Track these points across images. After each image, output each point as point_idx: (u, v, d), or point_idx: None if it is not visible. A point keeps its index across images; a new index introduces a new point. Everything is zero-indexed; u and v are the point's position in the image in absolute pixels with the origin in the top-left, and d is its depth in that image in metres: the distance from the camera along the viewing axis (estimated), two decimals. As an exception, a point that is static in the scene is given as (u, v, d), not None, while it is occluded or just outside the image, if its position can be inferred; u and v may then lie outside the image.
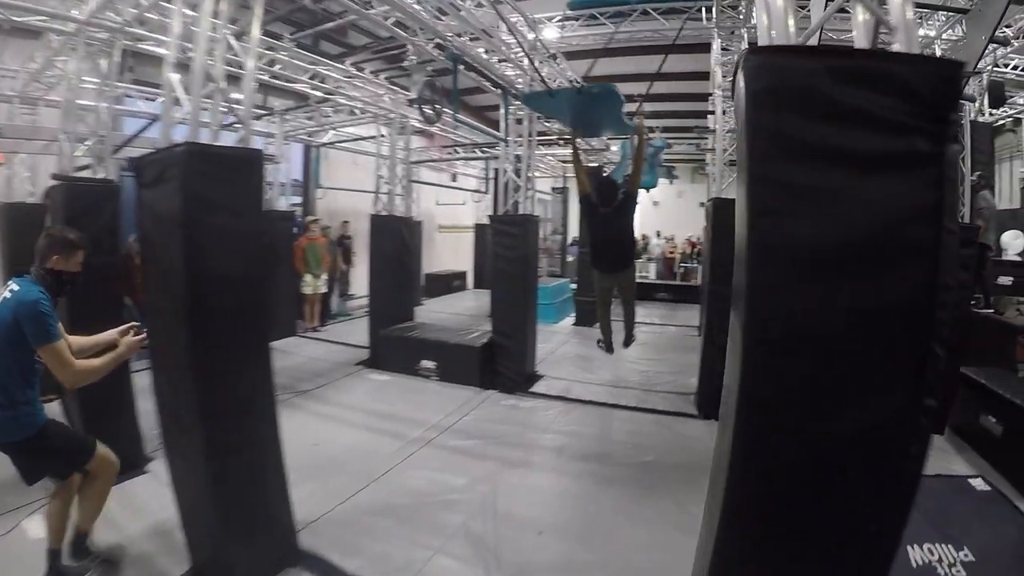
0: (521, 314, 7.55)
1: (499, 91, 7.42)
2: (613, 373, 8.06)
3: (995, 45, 7.12)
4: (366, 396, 6.97)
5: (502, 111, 7.32)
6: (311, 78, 8.07)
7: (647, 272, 18.52)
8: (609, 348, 6.23)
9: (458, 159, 13.71)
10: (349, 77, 8.37)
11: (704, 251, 6.65)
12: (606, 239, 5.34)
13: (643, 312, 12.86)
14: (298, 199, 12.41)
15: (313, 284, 10.50)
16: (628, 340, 6.15)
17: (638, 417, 6.41)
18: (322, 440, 5.43)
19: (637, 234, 19.86)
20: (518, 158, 7.84)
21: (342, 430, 5.80)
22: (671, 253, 18.67)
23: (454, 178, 16.30)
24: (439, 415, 6.24)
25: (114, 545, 3.49)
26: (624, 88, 4.82)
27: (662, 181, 20.38)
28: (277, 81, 7.87)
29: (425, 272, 15.84)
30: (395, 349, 8.14)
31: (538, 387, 7.44)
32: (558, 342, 9.86)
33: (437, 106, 6.89)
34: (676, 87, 13.61)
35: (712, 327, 6.53)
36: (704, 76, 11.79)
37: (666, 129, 15.22)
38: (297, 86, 8.11)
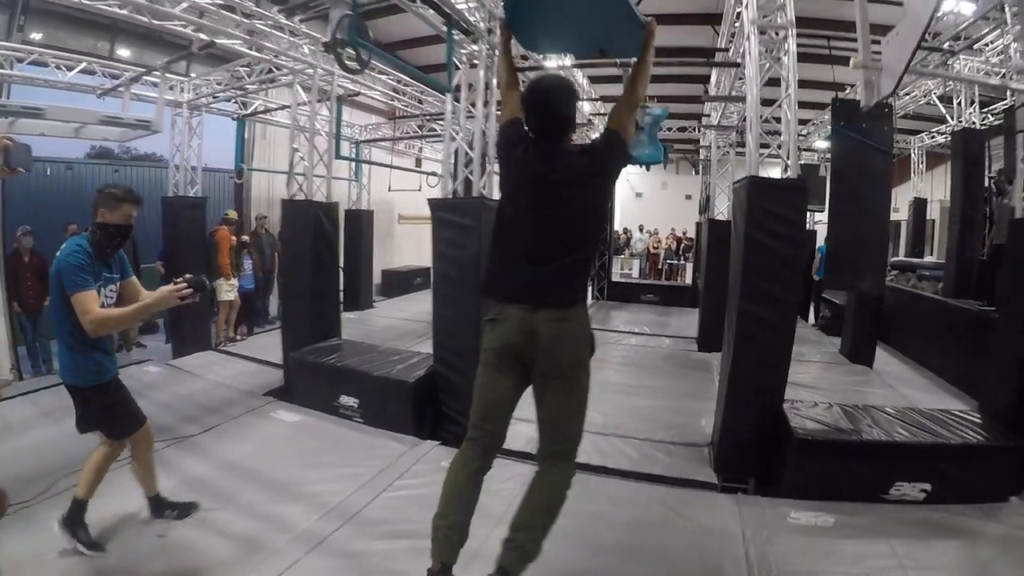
0: (472, 337, 5.50)
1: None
2: (598, 411, 6.03)
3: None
4: (261, 448, 4.90)
5: (447, 52, 5.20)
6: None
7: (630, 269, 16.61)
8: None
9: (414, 138, 11.52)
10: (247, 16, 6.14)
11: (733, 248, 4.69)
12: (536, 225, 2.38)
13: (628, 317, 10.94)
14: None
15: (230, 288, 8.42)
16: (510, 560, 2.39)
17: (635, 491, 4.41)
18: (172, 531, 3.47)
19: (618, 227, 17.83)
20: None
21: (204, 515, 3.67)
22: (655, 249, 16.72)
23: (418, 163, 14.14)
24: (350, 486, 4.19)
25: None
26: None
27: (641, 172, 18.78)
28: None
29: (382, 269, 13.81)
30: (309, 378, 6.12)
31: None
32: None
33: (359, 51, 4.76)
34: (662, 68, 11.63)
35: (744, 354, 4.55)
36: (696, 52, 9.96)
37: None
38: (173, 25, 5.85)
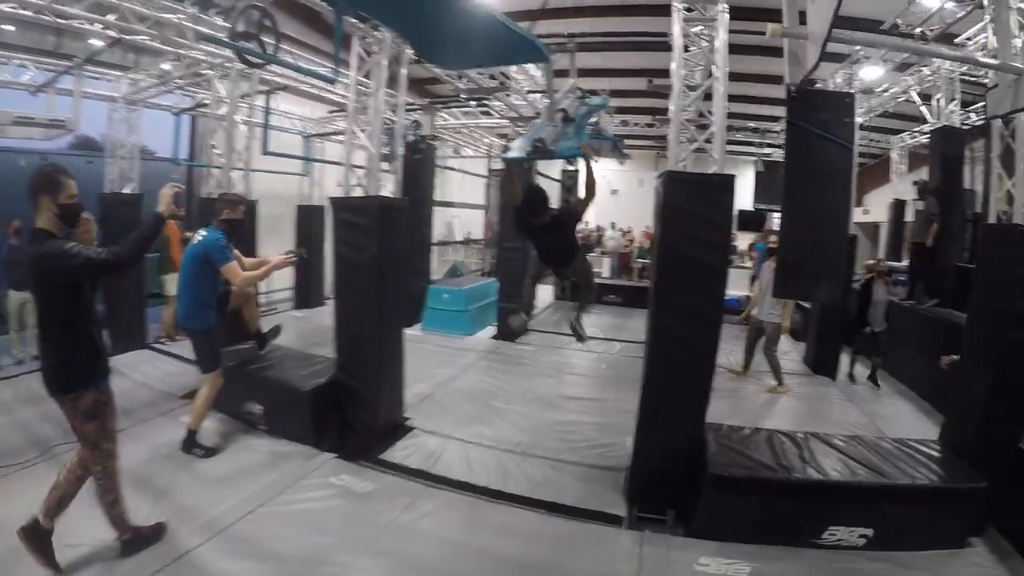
0: (372, 347, 4.81)
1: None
2: (516, 426, 5.34)
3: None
4: (155, 454, 4.39)
5: (336, 37, 4.46)
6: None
7: (601, 268, 15.85)
8: (518, 319, 4.90)
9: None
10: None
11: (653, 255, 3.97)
12: (546, 249, 4.48)
13: (590, 319, 10.17)
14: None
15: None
16: (577, 325, 4.90)
17: (531, 523, 3.80)
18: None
19: (592, 224, 17.19)
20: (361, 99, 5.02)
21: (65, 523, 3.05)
22: (627, 247, 15.97)
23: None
24: (232, 496, 3.85)
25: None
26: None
27: (617, 168, 18.04)
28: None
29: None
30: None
31: (396, 451, 4.80)
32: (462, 365, 7.11)
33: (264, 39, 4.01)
34: (633, 60, 10.89)
35: (658, 375, 3.88)
36: (663, 44, 9.16)
37: (623, 110, 12.56)
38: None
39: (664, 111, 10.07)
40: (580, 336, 4.89)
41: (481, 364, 7.15)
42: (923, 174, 13.17)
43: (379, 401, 4.96)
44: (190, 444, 4.42)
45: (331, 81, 4.73)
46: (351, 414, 4.90)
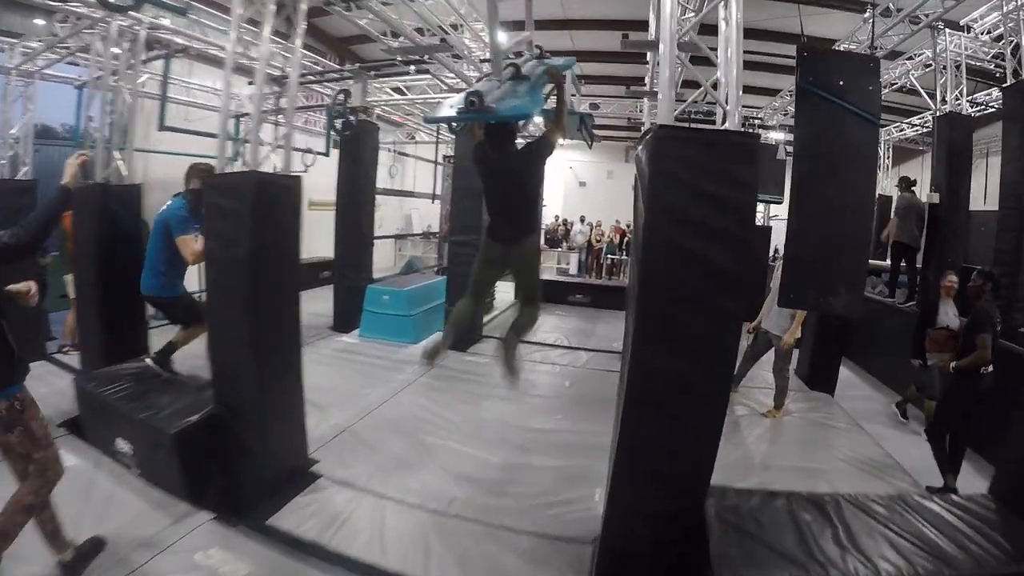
0: (251, 374, 3.49)
1: None
2: (461, 464, 4.12)
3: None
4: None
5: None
6: None
7: (568, 263, 14.66)
8: (434, 353, 3.72)
9: (304, 109, 9.25)
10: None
11: (632, 255, 2.58)
12: (501, 196, 3.53)
13: (553, 323, 8.95)
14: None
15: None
16: (508, 357, 3.66)
17: None
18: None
19: (559, 219, 15.97)
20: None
21: None
22: (597, 242, 14.81)
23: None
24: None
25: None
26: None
27: (585, 160, 16.93)
28: None
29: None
30: (89, 411, 4.24)
31: (290, 512, 3.55)
32: (398, 384, 5.78)
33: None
34: (604, 40, 9.68)
35: (639, 430, 2.63)
36: (640, 25, 8.04)
37: (590, 79, 11.34)
38: None
39: (641, 79, 8.90)
40: (513, 374, 3.72)
41: (421, 382, 5.83)
42: (908, 170, 12.49)
43: (266, 444, 3.66)
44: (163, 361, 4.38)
45: (182, 12, 3.42)
46: (232, 461, 3.61)
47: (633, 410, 2.54)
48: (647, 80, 6.36)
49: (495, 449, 4.43)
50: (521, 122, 4.10)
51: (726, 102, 2.43)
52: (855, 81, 4.34)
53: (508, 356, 3.61)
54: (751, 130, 2.46)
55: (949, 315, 4.91)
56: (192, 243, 3.93)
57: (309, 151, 8.01)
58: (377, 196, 13.36)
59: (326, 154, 7.50)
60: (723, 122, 2.50)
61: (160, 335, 5.63)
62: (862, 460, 4.69)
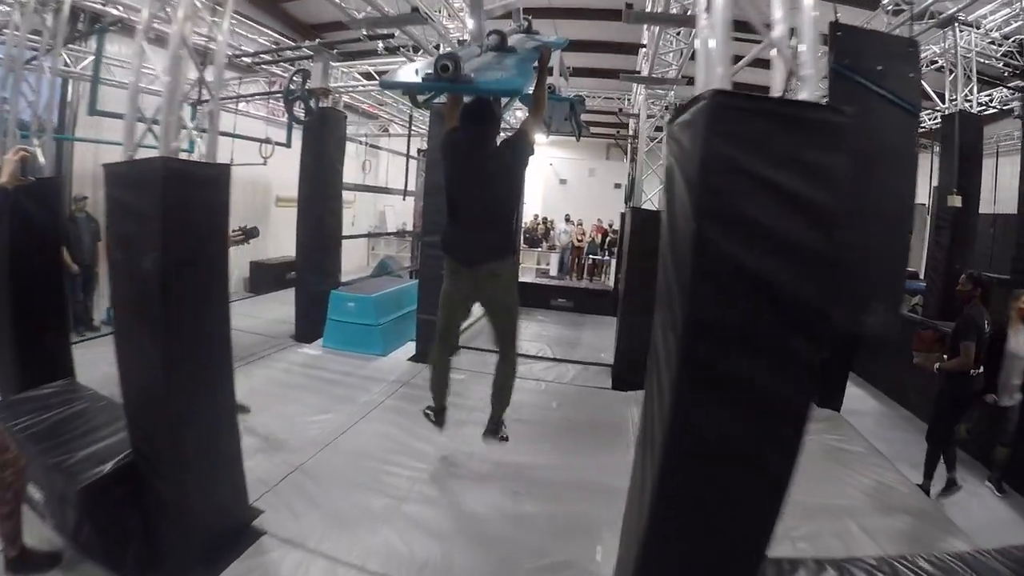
0: (169, 410, 2.71)
1: None
2: (433, 514, 3.38)
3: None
4: None
5: None
6: None
7: (548, 264, 13.98)
8: (439, 418, 3.57)
9: (264, 95, 8.35)
10: None
11: (664, 268, 1.92)
12: (472, 200, 2.99)
13: (535, 331, 8.22)
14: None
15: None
16: (494, 421, 3.45)
17: None
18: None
19: (539, 217, 15.20)
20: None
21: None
22: (579, 241, 14.15)
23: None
24: None
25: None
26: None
27: (566, 156, 16.28)
28: None
29: (251, 260, 10.82)
30: None
31: None
32: (361, 406, 5.00)
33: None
34: (588, 29, 8.98)
35: (679, 511, 1.89)
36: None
37: (578, 72, 10.62)
38: None
39: (632, 70, 8.20)
40: (500, 436, 3.66)
41: (388, 405, 5.06)
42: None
43: (191, 499, 2.88)
44: None
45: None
46: (154, 519, 2.84)
47: (671, 485, 1.83)
48: (641, 64, 5.69)
49: (474, 492, 3.70)
50: (504, 103, 3.41)
51: (805, 67, 1.72)
52: (894, 66, 3.73)
53: (493, 415, 3.48)
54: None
55: (1021, 343, 4.19)
56: None
57: (267, 141, 7.20)
58: (347, 192, 12.64)
59: (287, 144, 6.67)
60: (787, 88, 1.79)
61: (85, 350, 4.79)
62: (887, 493, 4.10)
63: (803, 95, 1.72)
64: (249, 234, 3.96)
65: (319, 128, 6.65)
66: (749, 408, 1.72)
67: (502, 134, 3.48)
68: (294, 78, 5.05)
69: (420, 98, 3.16)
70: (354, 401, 5.05)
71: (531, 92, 3.93)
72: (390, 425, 4.59)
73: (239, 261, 10.83)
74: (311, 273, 6.87)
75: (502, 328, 3.25)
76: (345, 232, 12.89)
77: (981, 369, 4.06)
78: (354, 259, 14.50)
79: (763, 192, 1.57)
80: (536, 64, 3.22)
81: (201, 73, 2.80)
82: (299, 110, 5.89)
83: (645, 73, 5.25)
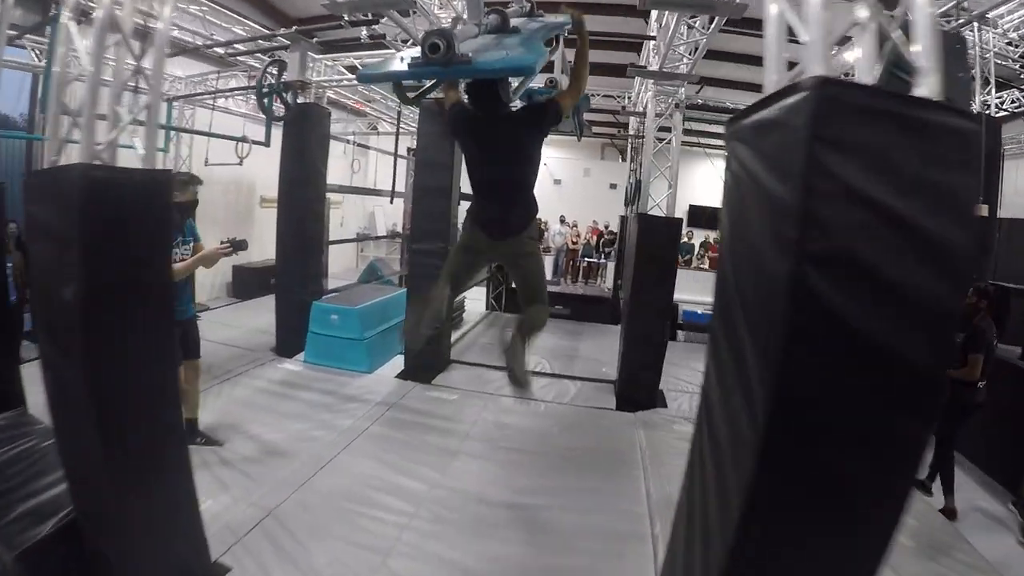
0: (104, 461, 2.22)
1: None
2: (429, 564, 2.92)
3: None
4: None
5: None
6: None
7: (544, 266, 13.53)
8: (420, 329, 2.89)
9: (237, 91, 7.77)
10: None
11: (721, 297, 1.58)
12: (491, 168, 2.70)
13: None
14: None
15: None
16: (515, 364, 2.72)
17: None
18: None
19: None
20: None
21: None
22: (574, 243, 13.69)
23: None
24: None
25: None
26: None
27: (561, 155, 15.75)
28: None
29: (233, 264, 10.25)
30: None
31: None
32: (342, 435, 4.48)
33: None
34: (588, 24, 8.45)
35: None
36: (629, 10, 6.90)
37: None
38: None
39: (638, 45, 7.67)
40: (521, 383, 2.79)
41: (373, 433, 4.56)
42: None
43: (138, 560, 2.41)
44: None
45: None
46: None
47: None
48: (649, 59, 5.23)
49: (471, 542, 3.22)
50: (513, 81, 2.95)
51: (923, 57, 1.26)
52: (942, 64, 3.29)
53: (515, 363, 2.72)
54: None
55: None
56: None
57: (243, 139, 6.67)
58: (334, 193, 12.07)
59: (266, 143, 6.15)
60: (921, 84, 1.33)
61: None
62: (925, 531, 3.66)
63: (922, 90, 1.26)
64: (237, 247, 3.71)
65: (300, 125, 6.13)
66: (840, 508, 1.27)
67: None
68: (268, 70, 4.53)
69: (410, 93, 2.67)
70: (335, 428, 4.56)
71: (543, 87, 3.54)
72: (374, 459, 4.10)
73: (221, 266, 10.29)
74: (292, 281, 6.35)
75: (530, 290, 2.88)
76: (333, 235, 12.42)
77: (985, 382, 4.05)
78: (341, 261, 13.96)
79: (885, 227, 1.11)
80: (547, 40, 2.85)
81: (138, 60, 2.29)
82: (278, 105, 5.38)
83: (654, 67, 4.78)
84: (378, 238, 13.99)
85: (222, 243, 3.70)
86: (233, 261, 10.43)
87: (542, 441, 4.57)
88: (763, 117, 1.28)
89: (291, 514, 3.41)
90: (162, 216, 2.41)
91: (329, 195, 12.08)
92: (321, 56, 6.74)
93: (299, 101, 5.56)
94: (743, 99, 10.16)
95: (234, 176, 10.12)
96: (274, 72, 4.58)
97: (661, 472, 4.15)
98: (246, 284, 10.31)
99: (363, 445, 4.33)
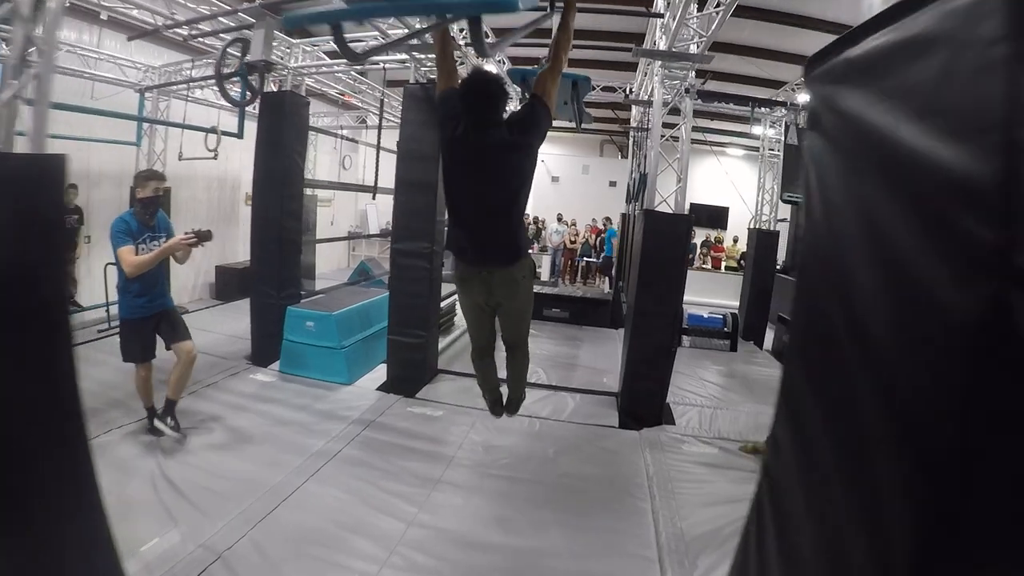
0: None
1: None
2: None
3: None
4: None
5: None
6: None
7: (540, 267, 12.97)
8: (495, 409, 3.17)
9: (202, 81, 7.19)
10: None
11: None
12: (480, 196, 2.41)
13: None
14: None
15: None
16: (514, 401, 3.13)
17: None
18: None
19: (527, 213, 14.14)
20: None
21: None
22: (572, 243, 13.17)
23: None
24: None
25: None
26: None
27: (559, 152, 15.23)
28: None
29: (216, 264, 9.78)
30: None
31: None
32: (316, 457, 3.94)
33: None
34: (585, 19, 8.01)
35: None
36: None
37: (580, 34, 9.65)
38: None
39: (629, 67, 7.20)
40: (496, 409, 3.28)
41: (347, 456, 4.02)
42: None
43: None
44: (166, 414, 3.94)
45: None
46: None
47: None
48: (656, 40, 4.69)
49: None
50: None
51: None
52: None
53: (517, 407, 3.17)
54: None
55: None
56: (128, 255, 3.64)
57: (212, 131, 6.12)
58: (322, 190, 11.52)
59: (238, 135, 5.60)
60: None
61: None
62: None
63: None
64: (202, 237, 3.71)
65: (274, 115, 5.59)
66: None
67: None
68: (228, 50, 4.00)
69: (357, 45, 2.17)
70: (304, 450, 4.02)
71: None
72: (345, 489, 3.56)
73: (203, 265, 9.77)
74: (267, 284, 5.81)
75: (515, 331, 2.82)
76: (323, 233, 11.91)
77: None
78: (332, 261, 13.43)
79: None
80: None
81: (28, 28, 1.76)
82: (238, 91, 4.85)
83: (662, 44, 4.25)
84: (370, 236, 13.44)
85: (186, 233, 3.72)
86: (216, 260, 10.02)
87: (536, 467, 4.03)
88: (902, 36, 0.75)
89: (243, 558, 2.88)
90: (51, 209, 1.88)
91: (318, 192, 11.62)
92: (300, 40, 6.19)
93: (273, 88, 5.00)
94: (748, 93, 9.68)
95: (217, 172, 9.59)
96: (237, 53, 4.05)
97: (671, 505, 3.63)
98: (229, 286, 9.76)
99: (333, 472, 3.79)
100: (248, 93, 4.31)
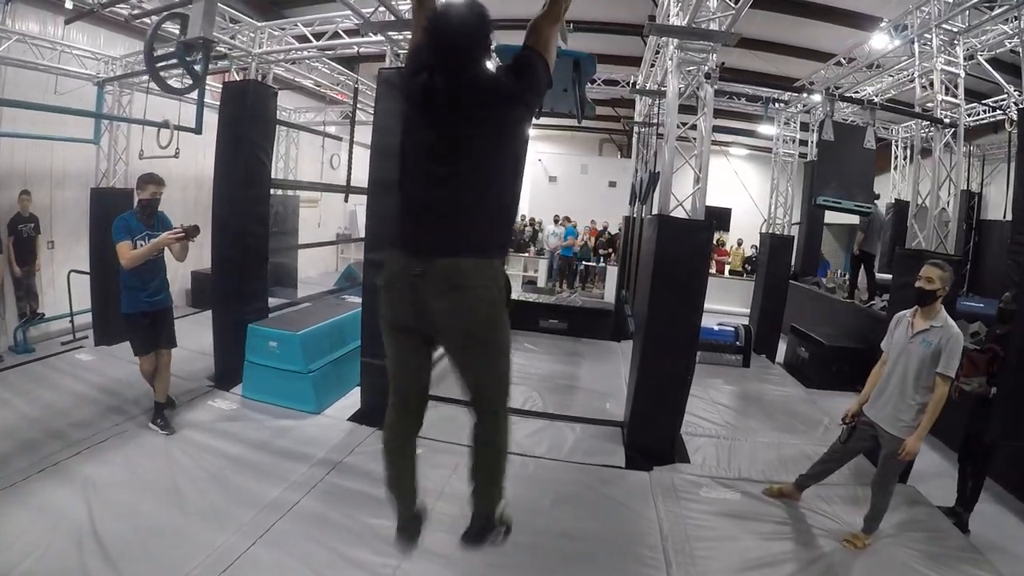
0: None
1: None
2: None
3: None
4: None
5: None
6: None
7: (536, 271, 12.30)
8: (405, 534, 2.03)
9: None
10: None
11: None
12: (440, 143, 1.64)
13: (519, 366, 6.40)
14: None
15: None
16: (480, 520, 1.92)
17: None
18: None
19: (524, 215, 13.27)
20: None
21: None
22: (579, 249, 12.47)
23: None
24: None
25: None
26: None
27: (557, 151, 14.57)
28: None
29: (192, 270, 9.13)
30: None
31: None
32: (270, 509, 3.26)
33: None
34: (588, 9, 7.49)
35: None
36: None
37: (578, 26, 9.07)
38: None
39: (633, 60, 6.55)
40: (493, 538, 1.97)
41: (304, 509, 3.32)
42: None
43: None
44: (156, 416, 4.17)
45: None
46: None
47: None
48: (670, 17, 4.01)
49: None
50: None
51: None
52: None
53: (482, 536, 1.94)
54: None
55: None
56: (124, 249, 3.81)
57: (164, 125, 5.40)
58: (307, 192, 10.82)
59: (196, 130, 4.90)
60: None
61: None
62: None
63: None
64: (190, 232, 3.87)
65: (237, 107, 4.91)
66: None
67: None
68: (162, 27, 3.31)
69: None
70: (256, 502, 3.34)
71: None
72: (299, 556, 2.89)
73: (180, 270, 9.09)
74: (230, 298, 5.13)
75: (478, 385, 1.78)
76: (309, 237, 11.20)
77: None
78: (319, 265, 12.76)
79: None
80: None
81: None
82: (180, 76, 4.19)
83: (679, 24, 3.57)
84: (359, 240, 12.75)
85: (175, 228, 3.90)
86: (192, 266, 9.33)
87: (529, 523, 3.33)
88: None
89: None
90: None
91: (303, 194, 10.92)
92: (265, 24, 5.49)
93: (236, 77, 4.32)
94: (754, 91, 9.03)
95: (194, 172, 8.90)
96: (178, 31, 3.37)
97: (691, 573, 2.98)
98: (205, 292, 9.07)
99: (287, 531, 3.12)
100: (189, 79, 3.62)
